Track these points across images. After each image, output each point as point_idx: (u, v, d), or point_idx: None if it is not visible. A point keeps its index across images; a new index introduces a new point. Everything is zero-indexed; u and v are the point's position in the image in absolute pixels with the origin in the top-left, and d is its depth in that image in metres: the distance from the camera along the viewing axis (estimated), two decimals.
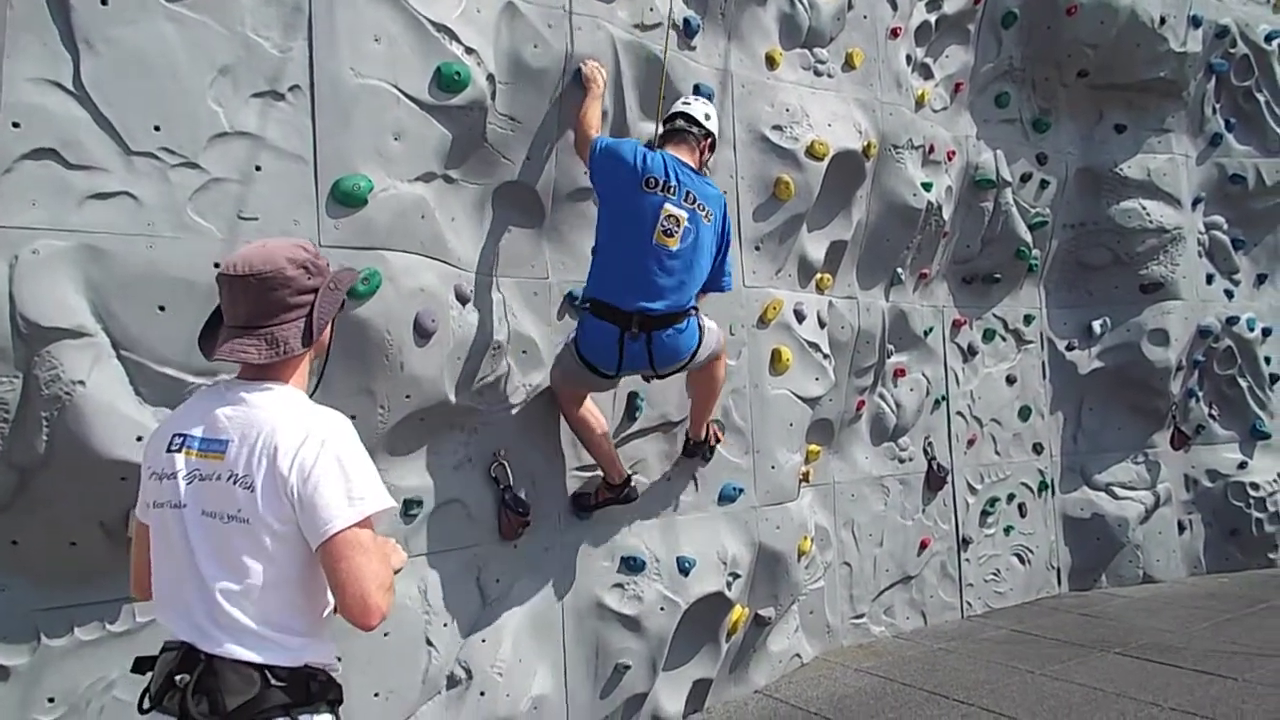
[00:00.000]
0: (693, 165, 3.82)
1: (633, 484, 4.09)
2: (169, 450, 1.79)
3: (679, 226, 3.63)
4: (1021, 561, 6.58)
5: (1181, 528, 7.07)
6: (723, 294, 4.17)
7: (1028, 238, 6.59)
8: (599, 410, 4.03)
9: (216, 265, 2.88)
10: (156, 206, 2.88)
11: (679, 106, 4.00)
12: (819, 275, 5.15)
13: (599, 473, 4.09)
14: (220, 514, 1.72)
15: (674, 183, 3.66)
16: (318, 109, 3.20)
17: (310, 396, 1.92)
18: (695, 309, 3.80)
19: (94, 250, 2.76)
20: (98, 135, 2.79)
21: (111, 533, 2.80)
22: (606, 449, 4.00)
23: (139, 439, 2.70)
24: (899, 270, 5.77)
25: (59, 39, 2.76)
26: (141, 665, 1.81)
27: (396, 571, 1.92)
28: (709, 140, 3.95)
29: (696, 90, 4.40)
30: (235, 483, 1.71)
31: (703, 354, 3.87)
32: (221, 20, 3.01)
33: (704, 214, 3.72)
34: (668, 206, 3.62)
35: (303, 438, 1.71)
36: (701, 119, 3.92)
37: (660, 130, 4.02)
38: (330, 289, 1.89)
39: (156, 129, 2.88)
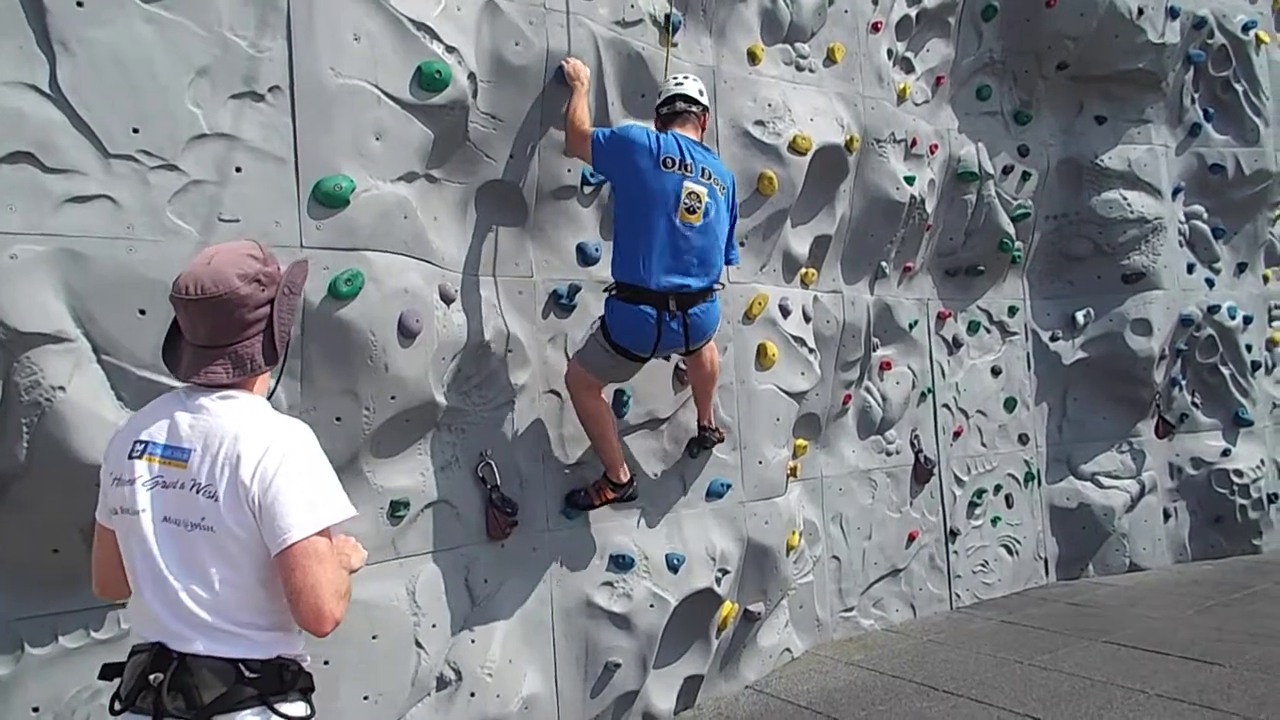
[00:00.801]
0: (699, 141, 3.90)
1: (635, 483, 4.10)
2: (130, 456, 1.79)
3: (700, 203, 3.71)
4: (1009, 552, 6.62)
5: (1167, 515, 7.13)
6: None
7: (1010, 230, 6.62)
8: (609, 405, 4.03)
9: None
10: (136, 209, 2.85)
11: (672, 89, 4.03)
12: (803, 270, 5.16)
13: (597, 469, 4.08)
14: (184, 521, 1.74)
15: (689, 160, 3.74)
16: (298, 109, 3.17)
17: (271, 396, 1.94)
18: (721, 284, 3.88)
19: (73, 254, 2.73)
20: (75, 138, 2.76)
21: (91, 539, 2.78)
22: (615, 444, 4.01)
23: None
24: (883, 264, 5.79)
25: (34, 41, 2.73)
26: (109, 672, 1.83)
27: (356, 570, 1.96)
28: (705, 114, 4.03)
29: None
30: (198, 491, 1.73)
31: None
32: (199, 20, 2.98)
33: (719, 188, 3.82)
34: (688, 184, 3.70)
35: (265, 448, 1.73)
36: (697, 95, 3.99)
37: (656, 115, 4.05)
38: (285, 294, 1.89)
39: (135, 131, 2.86)
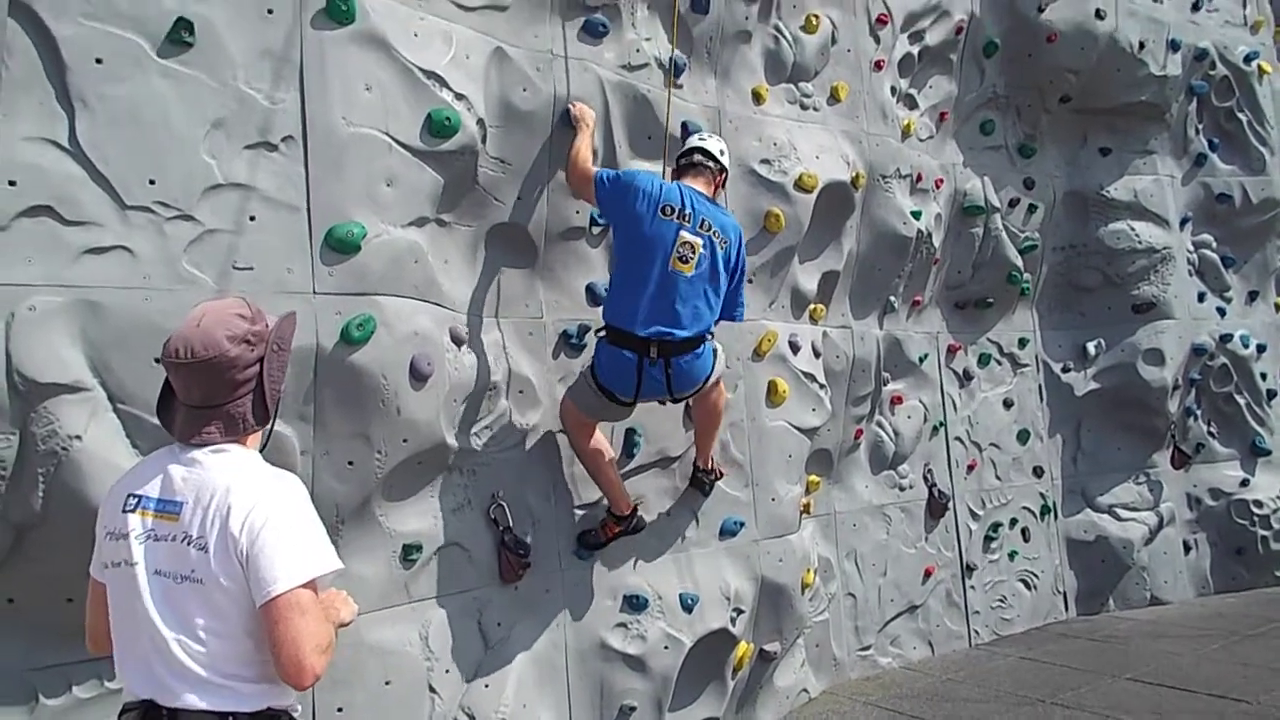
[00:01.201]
0: (709, 196, 3.92)
1: (639, 514, 4.08)
2: (124, 510, 1.82)
3: (694, 253, 3.70)
4: (1027, 587, 6.53)
5: (1187, 548, 7.04)
6: (717, 328, 4.19)
7: (1018, 262, 6.63)
8: (606, 440, 4.03)
9: None
10: (152, 259, 2.90)
11: (694, 142, 4.07)
12: (812, 306, 5.17)
13: (603, 506, 4.08)
14: (174, 574, 1.76)
15: (689, 210, 3.74)
16: (310, 158, 3.23)
17: (263, 449, 1.97)
18: (711, 334, 3.86)
19: (90, 305, 2.77)
20: (93, 191, 2.81)
21: None
22: (614, 479, 4.00)
23: None
24: (892, 298, 5.80)
25: (54, 97, 2.79)
26: None
27: (346, 624, 1.99)
28: (723, 175, 4.06)
29: (684, 128, 4.45)
30: (189, 544, 1.75)
31: (713, 376, 3.92)
32: (214, 74, 3.05)
33: (719, 241, 3.80)
34: (683, 234, 3.70)
35: (255, 500, 1.76)
36: (717, 154, 4.02)
37: (674, 165, 4.09)
38: (275, 351, 1.92)
39: (151, 183, 2.91)
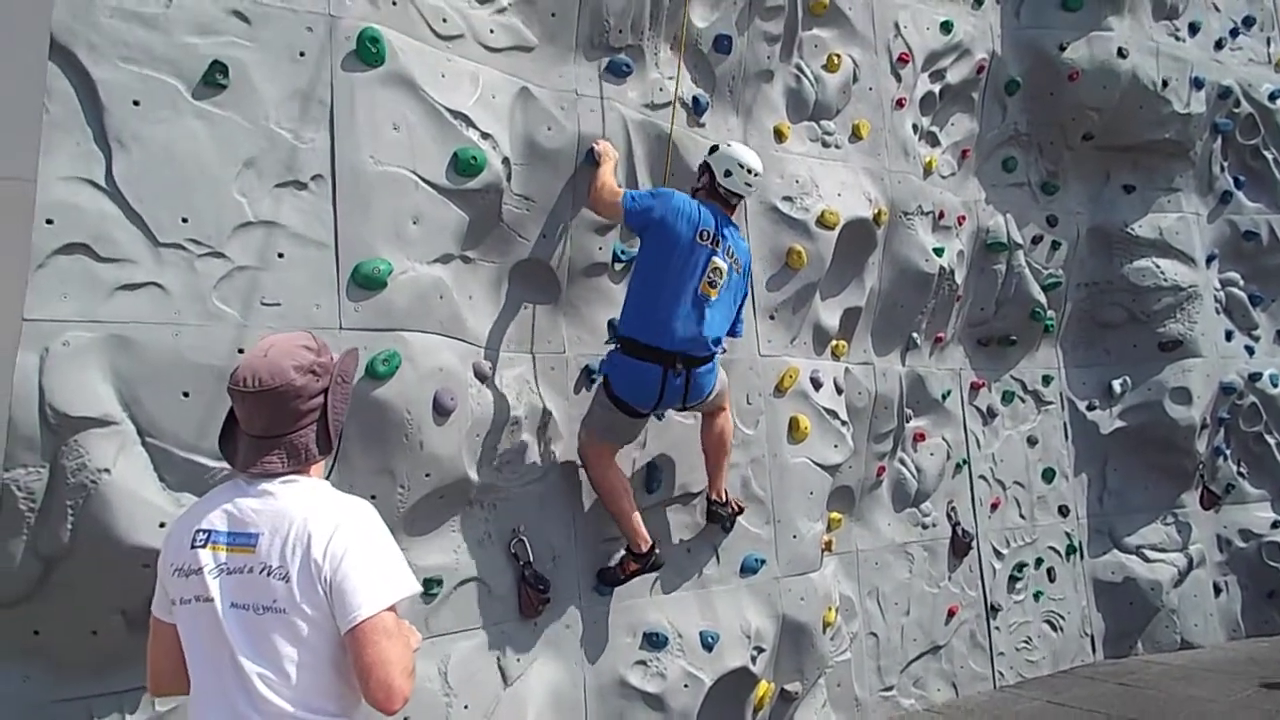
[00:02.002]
0: (729, 217, 4.04)
1: (657, 550, 4.06)
2: (193, 546, 1.81)
3: (721, 278, 3.88)
4: (1053, 628, 6.42)
5: (1217, 590, 6.90)
6: (738, 363, 4.32)
7: (1042, 299, 6.60)
8: (625, 477, 4.03)
9: (240, 351, 2.94)
10: (183, 295, 2.95)
11: (733, 160, 4.04)
12: (834, 342, 5.17)
13: (621, 544, 4.06)
14: (254, 605, 1.75)
15: (719, 235, 3.90)
16: (339, 196, 3.29)
17: (328, 478, 1.98)
18: (723, 349, 4.07)
19: (122, 340, 2.82)
20: (128, 229, 2.88)
21: (132, 621, 2.80)
22: (631, 516, 3.99)
23: (162, 525, 2.72)
24: (914, 335, 5.78)
25: (92, 139, 2.87)
26: None
27: (415, 650, 1.95)
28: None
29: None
30: (270, 574, 1.74)
31: (716, 387, 4.03)
32: (247, 115, 3.13)
33: (737, 267, 3.98)
34: (715, 260, 3.86)
35: (334, 527, 1.76)
36: (754, 180, 4.09)
37: (704, 180, 4.10)
38: (339, 383, 1.93)
39: (184, 221, 2.98)
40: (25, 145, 2.75)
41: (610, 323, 4.26)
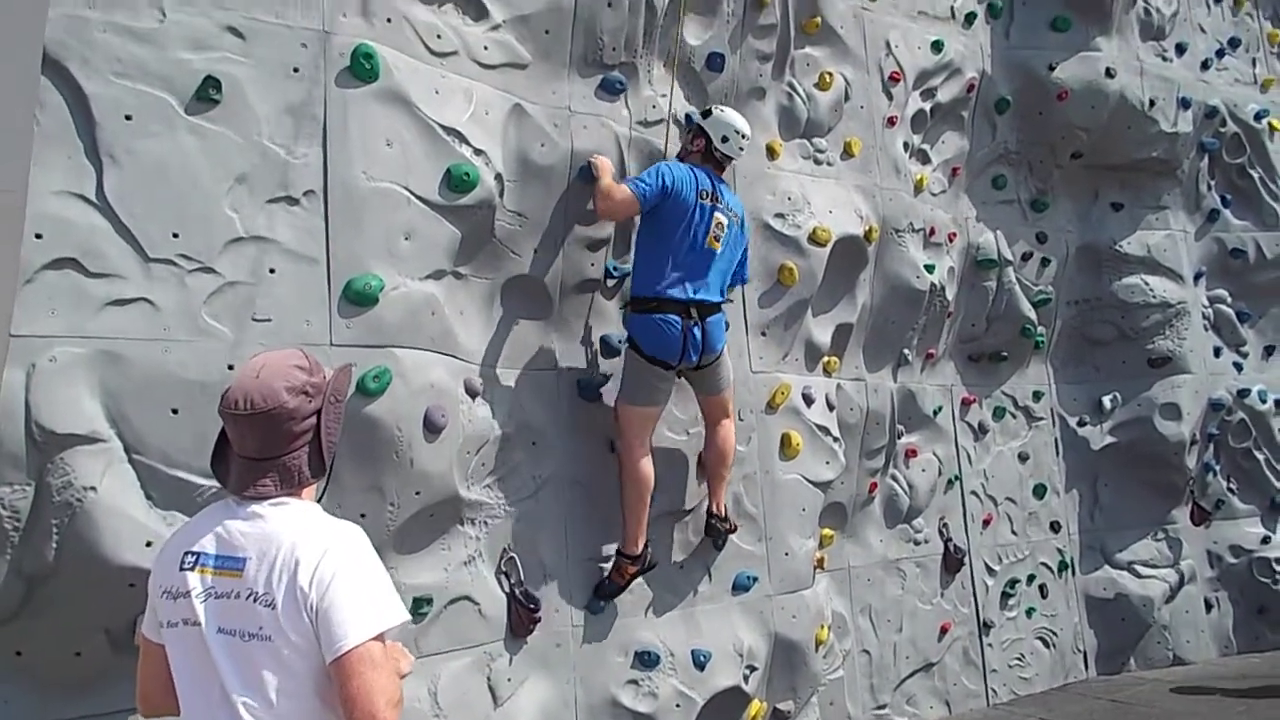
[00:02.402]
0: (719, 176, 4.27)
1: (649, 550, 4.07)
2: (181, 569, 1.78)
3: (723, 232, 4.13)
4: (1046, 645, 6.40)
5: (1209, 606, 6.90)
6: (733, 378, 4.38)
7: (1032, 315, 6.62)
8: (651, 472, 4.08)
9: (231, 367, 2.92)
10: (172, 311, 2.93)
11: (722, 123, 4.25)
12: (826, 358, 5.17)
13: (611, 555, 4.05)
14: (240, 632, 1.72)
15: (716, 192, 4.15)
16: (331, 212, 3.28)
17: (320, 499, 1.95)
18: (729, 299, 4.39)
19: (111, 356, 2.80)
20: (118, 244, 2.86)
21: (116, 641, 2.77)
22: (643, 516, 4.04)
23: (148, 544, 2.69)
24: (905, 351, 5.79)
25: (83, 153, 2.85)
26: None
27: (404, 676, 1.93)
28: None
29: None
30: (256, 601, 1.71)
31: (724, 356, 4.22)
32: (239, 130, 3.11)
33: (734, 219, 4.23)
34: (717, 215, 4.11)
35: (322, 553, 1.73)
36: (745, 142, 4.32)
37: (692, 141, 4.31)
38: (332, 403, 1.91)
39: (175, 236, 2.96)
40: (16, 158, 2.73)
41: (603, 339, 4.25)
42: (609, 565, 4.05)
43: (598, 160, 4.07)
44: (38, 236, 2.74)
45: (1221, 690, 5.91)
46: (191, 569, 1.77)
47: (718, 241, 4.10)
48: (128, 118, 2.91)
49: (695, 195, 4.04)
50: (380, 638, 1.73)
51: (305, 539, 1.74)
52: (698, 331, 4.01)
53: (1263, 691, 5.75)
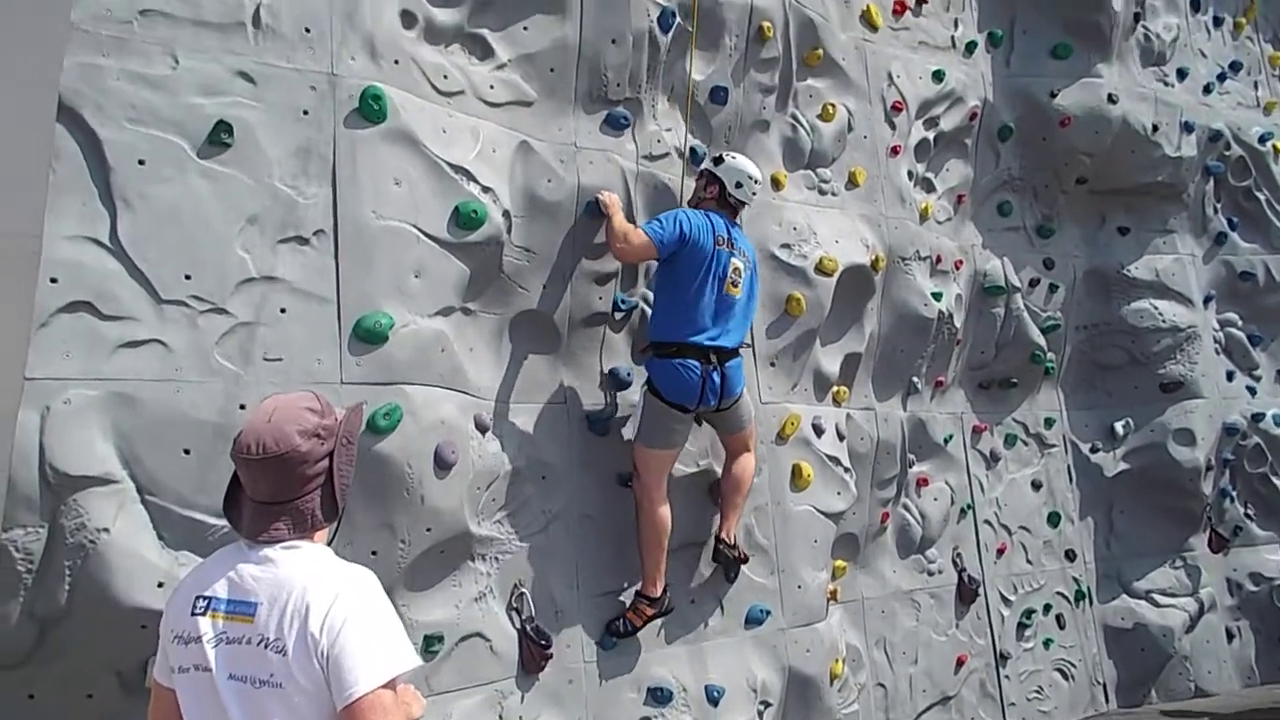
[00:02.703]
0: (733, 220, 4.31)
1: (669, 594, 4.06)
2: (193, 614, 1.78)
3: (740, 277, 4.18)
4: (1064, 676, 6.31)
5: (1230, 635, 6.80)
6: (754, 413, 4.46)
7: (1041, 341, 6.61)
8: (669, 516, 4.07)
9: (242, 407, 2.94)
10: (184, 352, 2.95)
11: (732, 170, 4.28)
12: (835, 388, 5.16)
13: (632, 592, 4.03)
14: (251, 678, 1.71)
15: (731, 238, 4.18)
16: (341, 251, 3.31)
17: (331, 541, 1.95)
18: (747, 344, 4.40)
19: (123, 397, 2.82)
20: (131, 287, 2.89)
21: (128, 683, 2.76)
22: (662, 559, 4.04)
23: (160, 585, 2.69)
24: (914, 379, 5.78)
25: (98, 198, 2.89)
26: None
27: None
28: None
29: None
30: (267, 647, 1.71)
31: (744, 397, 4.25)
32: (250, 173, 3.16)
33: (747, 264, 4.26)
34: (733, 260, 4.14)
35: (333, 599, 1.73)
36: (755, 189, 4.37)
37: (705, 188, 4.33)
38: (344, 445, 1.91)
39: (187, 278, 2.99)
40: (31, 204, 2.77)
41: (611, 372, 4.26)
42: (623, 604, 4.03)
43: (606, 197, 4.11)
44: (53, 281, 2.78)
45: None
46: (203, 614, 1.77)
47: (736, 287, 4.13)
48: (141, 162, 2.95)
49: (712, 242, 4.07)
50: (391, 684, 1.72)
51: (316, 584, 1.74)
52: (717, 376, 4.02)
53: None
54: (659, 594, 4.00)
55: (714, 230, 4.11)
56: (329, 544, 1.94)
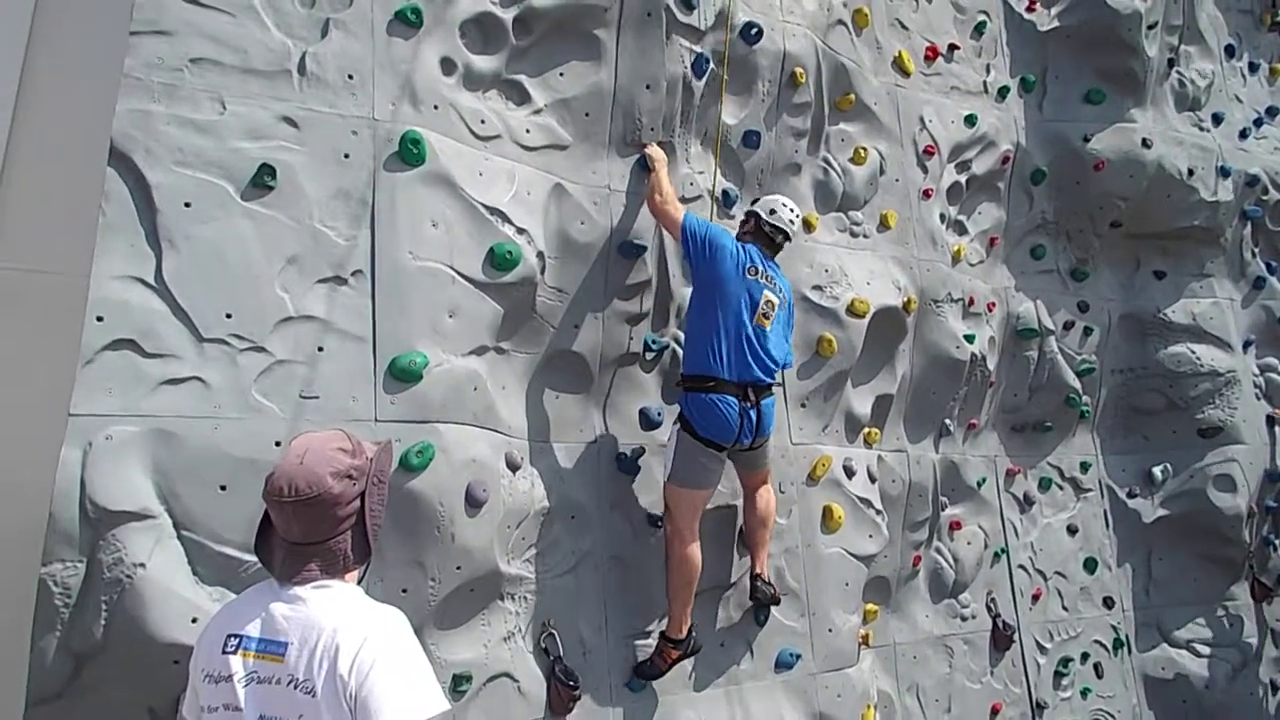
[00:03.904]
0: (770, 255, 4.24)
1: (694, 635, 4.02)
2: (224, 652, 1.79)
3: (773, 310, 4.11)
4: None
5: (1274, 688, 6.59)
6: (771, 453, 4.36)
7: (1076, 384, 6.52)
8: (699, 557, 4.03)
9: (278, 444, 2.97)
10: (224, 389, 3.01)
11: (768, 208, 4.27)
12: (866, 430, 5.13)
13: (658, 634, 4.00)
14: (280, 719, 1.71)
15: (766, 271, 4.13)
16: (378, 291, 3.36)
17: (362, 580, 1.95)
18: (779, 382, 4.33)
19: (163, 434, 2.87)
20: (174, 325, 2.96)
21: (160, 719, 2.77)
22: (688, 598, 3.99)
23: (194, 620, 2.71)
24: (947, 421, 5.72)
25: (144, 238, 2.98)
26: None
27: None
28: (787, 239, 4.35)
29: None
30: (296, 688, 1.71)
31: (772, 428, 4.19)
32: (292, 214, 3.23)
33: (782, 299, 4.21)
34: (766, 293, 4.08)
35: (362, 640, 1.73)
36: (791, 230, 4.30)
37: (755, 220, 4.30)
38: (375, 485, 1.93)
39: (228, 316, 3.05)
40: (81, 246, 2.86)
41: (642, 411, 4.26)
42: (651, 646, 3.99)
43: (652, 151, 4.19)
44: (99, 319, 2.85)
45: None
46: (234, 652, 1.78)
47: (767, 320, 4.06)
48: (187, 204, 3.04)
49: (737, 268, 4.01)
50: None
51: (346, 625, 1.75)
52: (754, 414, 3.98)
53: None
54: (683, 636, 3.96)
55: (740, 257, 4.06)
56: (360, 582, 1.95)
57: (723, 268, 3.98)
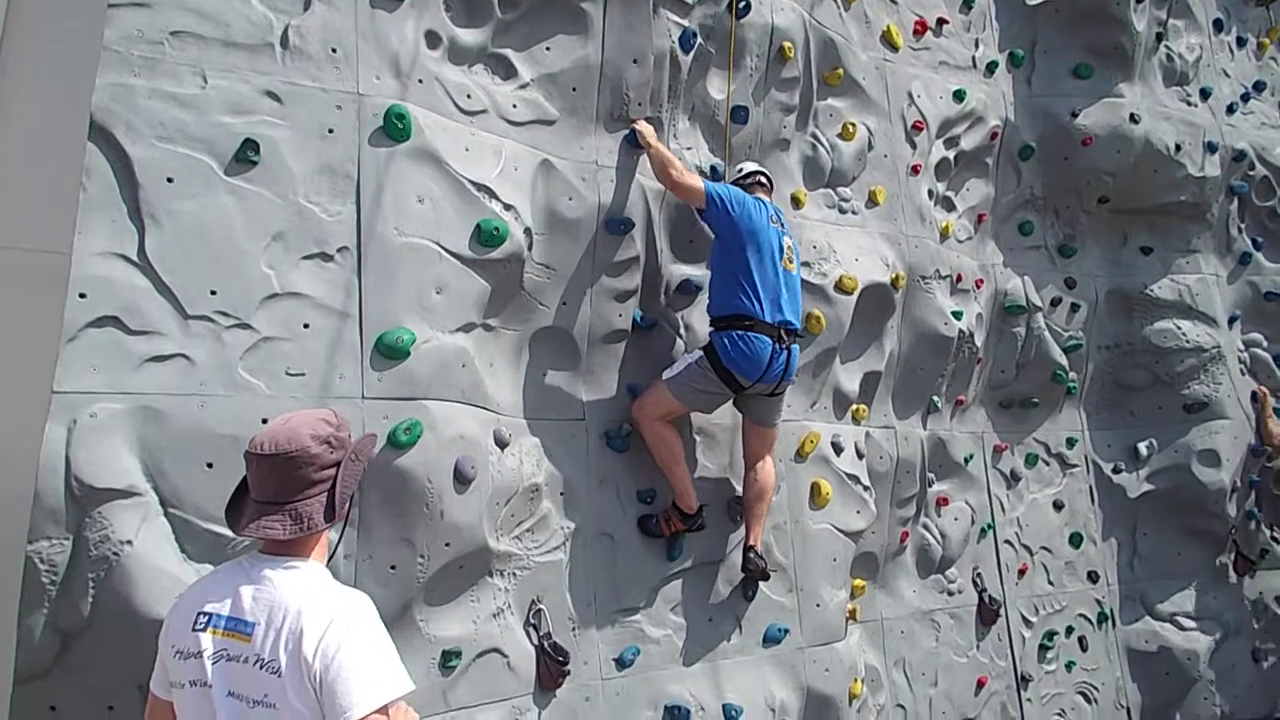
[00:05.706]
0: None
1: (704, 514, 4.15)
2: (194, 629, 1.81)
3: (793, 254, 4.32)
4: (1087, 700, 6.23)
5: (1256, 659, 6.69)
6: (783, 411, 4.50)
7: (1063, 361, 6.56)
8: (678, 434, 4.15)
9: (264, 421, 2.96)
10: (209, 366, 2.99)
11: (750, 168, 4.53)
12: (855, 406, 5.14)
13: (648, 600, 4.06)
14: (247, 697, 1.74)
15: (778, 218, 4.34)
16: (364, 267, 3.34)
17: (332, 557, 1.97)
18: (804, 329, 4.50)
19: (149, 411, 2.85)
20: (158, 302, 2.93)
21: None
22: (684, 473, 4.12)
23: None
24: (935, 398, 5.75)
25: (127, 215, 2.94)
26: None
27: None
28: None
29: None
30: (262, 667, 1.73)
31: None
32: (276, 190, 3.20)
33: (795, 245, 4.40)
34: (785, 238, 4.28)
35: (327, 622, 1.75)
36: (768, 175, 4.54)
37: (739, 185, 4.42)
38: (352, 460, 1.95)
39: (213, 293, 3.03)
40: (62, 222, 2.82)
41: (630, 388, 4.26)
42: (640, 621, 4.02)
43: (642, 126, 4.21)
44: (81, 296, 2.82)
45: None
46: (204, 629, 1.80)
47: (791, 263, 4.24)
48: (169, 180, 3.00)
49: (765, 218, 4.17)
50: (385, 709, 1.73)
51: (311, 607, 1.76)
52: (783, 357, 4.08)
53: None
54: (693, 512, 4.11)
55: (770, 210, 4.25)
56: (330, 559, 1.96)
57: (755, 220, 4.13)
